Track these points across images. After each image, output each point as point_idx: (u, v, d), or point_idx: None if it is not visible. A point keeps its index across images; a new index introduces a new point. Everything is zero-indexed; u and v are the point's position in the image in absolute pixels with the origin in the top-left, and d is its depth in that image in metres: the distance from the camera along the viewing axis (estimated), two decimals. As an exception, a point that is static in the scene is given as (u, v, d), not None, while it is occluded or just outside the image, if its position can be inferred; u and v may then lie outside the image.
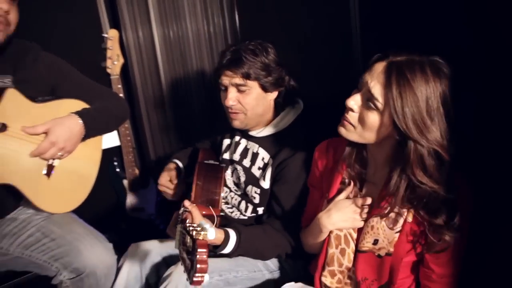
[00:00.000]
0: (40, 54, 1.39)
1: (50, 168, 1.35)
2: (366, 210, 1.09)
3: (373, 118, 0.97)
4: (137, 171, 2.19)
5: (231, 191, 1.54)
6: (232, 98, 1.34)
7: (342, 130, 1.04)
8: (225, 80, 1.35)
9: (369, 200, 1.09)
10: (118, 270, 1.38)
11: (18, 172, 1.26)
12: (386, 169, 1.04)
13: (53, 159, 1.34)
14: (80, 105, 1.41)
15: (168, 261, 1.39)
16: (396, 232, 1.03)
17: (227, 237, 1.26)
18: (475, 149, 1.09)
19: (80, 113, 1.34)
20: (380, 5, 1.43)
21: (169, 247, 1.43)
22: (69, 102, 1.39)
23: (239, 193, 1.51)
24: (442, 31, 1.19)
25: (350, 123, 1.02)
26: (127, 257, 1.40)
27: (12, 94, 1.24)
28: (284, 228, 1.34)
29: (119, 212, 2.25)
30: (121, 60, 2.00)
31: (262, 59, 1.32)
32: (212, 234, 0.96)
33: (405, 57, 0.94)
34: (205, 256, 0.93)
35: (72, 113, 1.33)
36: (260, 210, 1.45)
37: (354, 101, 1.00)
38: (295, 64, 1.77)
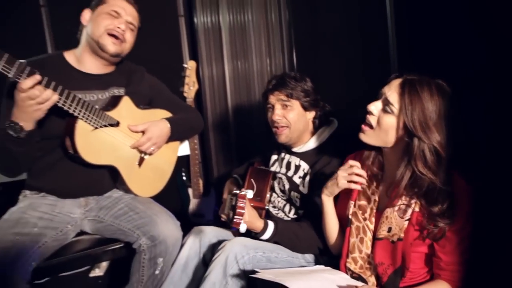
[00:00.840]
0: (145, 75, 1.84)
1: (142, 160, 1.76)
2: (352, 170, 1.34)
3: (389, 120, 1.25)
4: (201, 181, 2.51)
5: (278, 196, 1.84)
6: (278, 114, 1.68)
7: (362, 136, 1.32)
8: (272, 99, 1.69)
9: (355, 162, 1.34)
10: (182, 245, 1.69)
11: (121, 158, 1.67)
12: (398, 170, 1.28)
13: (145, 153, 1.75)
14: (168, 114, 1.83)
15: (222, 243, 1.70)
16: (406, 220, 1.24)
17: (265, 226, 1.55)
18: (484, 151, 1.33)
19: (169, 119, 1.77)
20: (415, 39, 1.73)
21: (224, 233, 1.74)
22: (161, 111, 1.82)
23: (284, 198, 1.81)
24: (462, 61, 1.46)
25: (370, 125, 1.29)
26: (190, 236, 1.72)
27: (126, 101, 1.68)
28: (317, 226, 1.56)
29: (182, 216, 2.58)
30: (196, 87, 2.36)
31: (301, 84, 1.67)
32: (250, 194, 1.30)
33: (417, 77, 1.23)
34: (242, 204, 1.27)
35: (163, 118, 1.76)
36: (301, 213, 1.72)
37: (375, 106, 1.28)
38: (341, 91, 2.08)
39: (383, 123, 1.26)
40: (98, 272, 2.37)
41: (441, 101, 1.19)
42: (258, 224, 1.54)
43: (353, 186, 1.34)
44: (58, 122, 1.53)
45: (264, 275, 1.25)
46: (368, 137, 1.31)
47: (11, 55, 1.29)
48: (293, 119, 1.68)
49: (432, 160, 1.19)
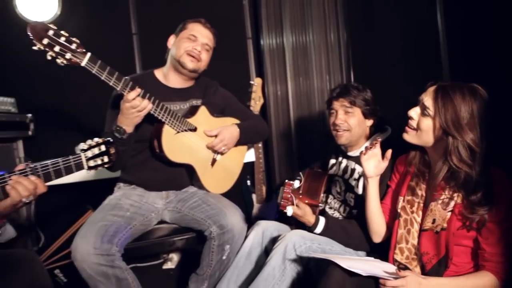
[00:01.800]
0: (218, 88, 2.14)
1: (214, 161, 2.04)
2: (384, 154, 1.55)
3: (427, 122, 1.40)
4: (264, 188, 2.70)
5: (334, 198, 2.01)
6: (341, 118, 1.85)
7: (405, 135, 1.48)
8: (336, 105, 1.88)
9: (379, 140, 1.55)
10: (246, 236, 1.90)
11: (197, 159, 1.97)
12: None
13: (217, 153, 2.03)
14: (238, 122, 2.10)
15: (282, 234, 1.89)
16: (448, 211, 1.36)
17: (317, 220, 1.73)
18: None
19: (238, 124, 2.05)
20: (466, 54, 1.84)
21: (285, 227, 1.92)
22: (232, 119, 2.11)
23: (340, 199, 1.97)
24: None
25: (412, 128, 1.45)
26: (254, 228, 1.92)
27: (203, 110, 1.99)
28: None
29: (246, 219, 2.81)
30: (262, 101, 2.57)
31: (363, 94, 1.84)
32: (297, 184, 1.52)
33: (450, 83, 1.38)
34: (288, 190, 1.51)
35: (234, 123, 2.04)
36: (354, 212, 1.87)
37: (414, 111, 1.45)
38: (395, 103, 2.21)
39: (422, 125, 1.42)
40: (170, 265, 2.69)
41: (474, 103, 1.32)
42: (310, 218, 1.72)
43: (364, 156, 1.57)
44: (147, 128, 1.86)
45: (317, 254, 1.43)
46: (410, 136, 1.48)
47: (119, 73, 1.64)
48: (354, 124, 1.85)
49: (467, 155, 1.32)
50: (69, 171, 1.29)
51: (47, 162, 1.26)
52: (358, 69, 2.74)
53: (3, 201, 1.20)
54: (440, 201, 1.40)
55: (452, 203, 1.37)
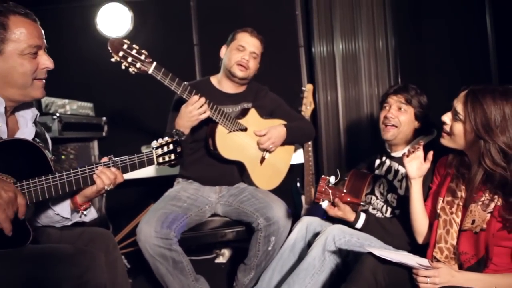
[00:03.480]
0: (268, 92, 2.31)
1: (263, 159, 2.21)
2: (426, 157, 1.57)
3: (458, 127, 1.45)
4: (312, 190, 2.79)
5: (377, 198, 2.07)
6: (393, 113, 1.90)
7: (442, 140, 1.53)
8: (392, 99, 1.93)
9: (422, 143, 1.57)
10: (291, 230, 2.03)
11: (247, 156, 2.14)
12: None
13: (265, 151, 2.19)
14: (285, 122, 2.25)
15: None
16: (488, 213, 1.38)
17: (357, 216, 1.81)
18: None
19: (285, 125, 2.20)
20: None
21: (328, 224, 2.02)
22: (280, 121, 2.26)
23: (382, 200, 2.03)
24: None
25: (446, 133, 1.50)
26: (299, 223, 2.04)
27: (253, 112, 2.17)
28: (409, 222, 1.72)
29: (295, 219, 2.93)
30: (312, 106, 2.69)
31: (420, 97, 1.90)
32: (333, 179, 1.61)
33: (482, 86, 1.41)
34: (322, 183, 1.65)
35: (281, 124, 2.20)
36: (397, 213, 1.92)
37: (447, 117, 1.50)
38: (442, 108, 2.24)
39: (454, 129, 1.47)
40: (221, 259, 2.89)
41: (506, 105, 1.34)
42: (350, 216, 1.81)
43: (406, 158, 1.60)
44: (203, 129, 2.07)
45: (353, 247, 1.52)
46: (446, 141, 1.53)
47: (180, 79, 1.86)
48: (404, 122, 1.90)
49: (500, 158, 1.34)
50: (142, 165, 1.46)
51: (125, 157, 1.45)
52: (406, 75, 2.77)
53: (90, 187, 1.42)
54: (480, 203, 1.42)
55: (492, 205, 1.39)
